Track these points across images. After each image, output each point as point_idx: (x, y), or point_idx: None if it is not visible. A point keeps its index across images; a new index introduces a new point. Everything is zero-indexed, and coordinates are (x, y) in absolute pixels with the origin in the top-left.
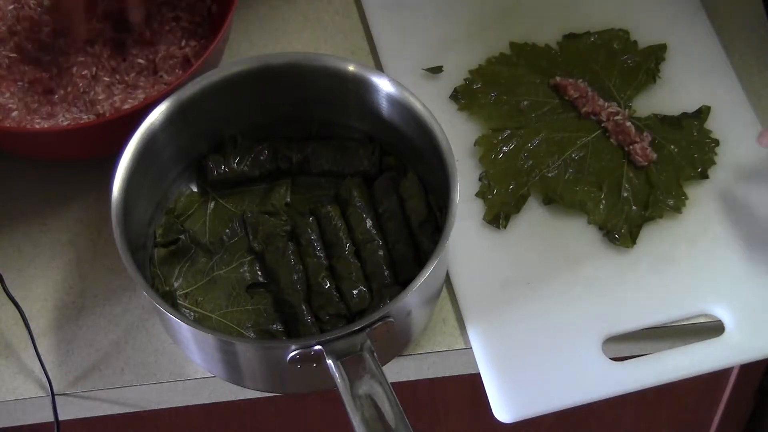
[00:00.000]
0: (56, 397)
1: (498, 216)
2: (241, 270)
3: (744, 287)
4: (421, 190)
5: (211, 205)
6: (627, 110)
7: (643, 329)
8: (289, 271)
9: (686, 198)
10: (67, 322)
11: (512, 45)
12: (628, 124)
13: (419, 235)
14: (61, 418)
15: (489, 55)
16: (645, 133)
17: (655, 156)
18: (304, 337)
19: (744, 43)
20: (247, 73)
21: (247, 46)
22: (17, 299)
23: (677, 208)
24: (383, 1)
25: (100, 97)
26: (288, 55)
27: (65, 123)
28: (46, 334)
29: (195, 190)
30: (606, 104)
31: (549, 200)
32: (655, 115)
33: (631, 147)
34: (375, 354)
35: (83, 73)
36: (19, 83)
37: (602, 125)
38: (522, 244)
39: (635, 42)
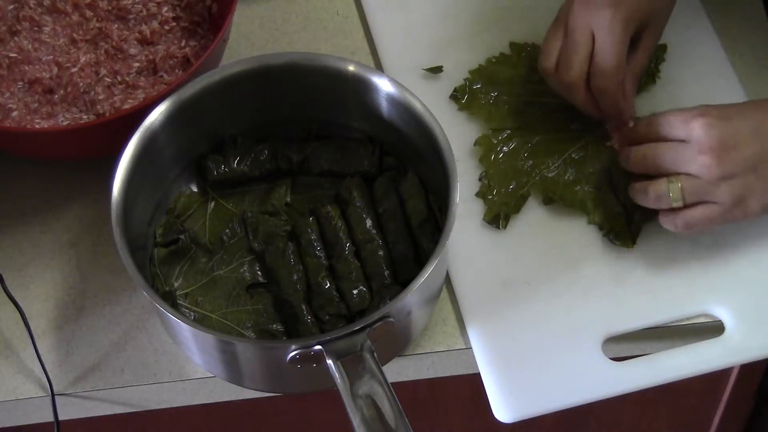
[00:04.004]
0: (56, 397)
1: (498, 216)
2: (241, 270)
3: (744, 287)
4: (421, 190)
5: (211, 205)
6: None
7: (643, 329)
8: (289, 271)
9: None
10: (67, 322)
11: (512, 45)
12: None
13: (419, 235)
14: (61, 418)
15: (489, 55)
16: None
17: None
18: (304, 337)
19: (744, 43)
20: (247, 73)
21: (247, 46)
22: (17, 299)
23: None
24: (383, 1)
25: (100, 97)
26: (288, 55)
27: (65, 123)
28: (46, 334)
29: (195, 190)
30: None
31: (549, 200)
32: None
33: None
34: (375, 354)
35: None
36: (19, 83)
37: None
38: (522, 244)
39: None
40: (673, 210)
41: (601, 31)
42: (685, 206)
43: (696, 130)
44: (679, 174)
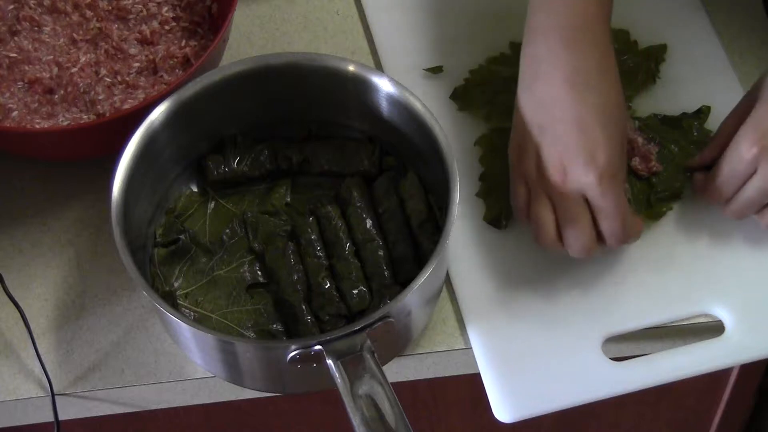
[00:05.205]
0: (56, 397)
1: (498, 216)
2: (241, 270)
3: (744, 287)
4: (421, 190)
5: (211, 205)
6: (636, 122)
7: (643, 329)
8: (289, 271)
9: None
10: (67, 322)
11: (512, 45)
12: (635, 136)
13: (419, 235)
14: (61, 418)
15: (489, 55)
16: (652, 144)
17: (661, 168)
18: (304, 337)
19: (744, 43)
20: (247, 73)
21: (247, 46)
22: (17, 299)
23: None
24: (383, 1)
25: (100, 97)
26: (288, 55)
27: (65, 123)
28: (46, 334)
29: (195, 190)
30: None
31: None
32: (655, 115)
33: (630, 160)
34: (375, 354)
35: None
36: (19, 83)
37: None
38: (522, 244)
39: (635, 42)
40: None
41: (595, 198)
42: None
43: (762, 162)
44: None
